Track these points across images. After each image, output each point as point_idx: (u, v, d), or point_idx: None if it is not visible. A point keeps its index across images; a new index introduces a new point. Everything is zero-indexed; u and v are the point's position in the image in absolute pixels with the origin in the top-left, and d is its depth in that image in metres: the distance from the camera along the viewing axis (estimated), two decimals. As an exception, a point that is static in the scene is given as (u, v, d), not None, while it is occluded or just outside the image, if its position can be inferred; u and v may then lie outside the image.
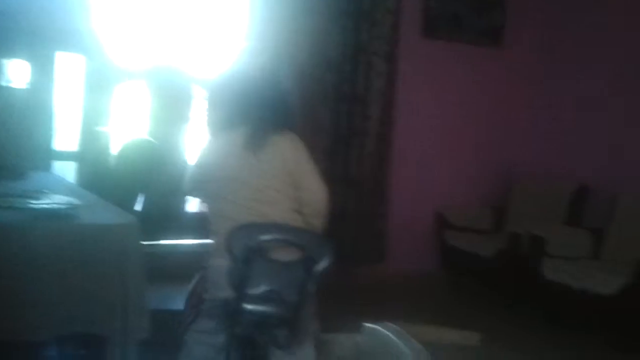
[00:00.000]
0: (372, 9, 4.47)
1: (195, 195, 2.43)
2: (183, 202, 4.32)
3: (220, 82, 2.15)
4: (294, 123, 2.14)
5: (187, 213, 4.35)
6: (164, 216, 4.04)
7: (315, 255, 1.83)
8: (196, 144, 4.30)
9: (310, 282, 1.81)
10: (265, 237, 1.87)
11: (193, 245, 4.27)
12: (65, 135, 4.04)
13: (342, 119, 4.50)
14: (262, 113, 2.04)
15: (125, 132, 3.99)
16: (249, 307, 1.79)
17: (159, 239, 4.09)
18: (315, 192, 2.08)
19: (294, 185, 2.05)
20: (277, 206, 2.02)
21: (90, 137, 3.83)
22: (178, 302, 3.62)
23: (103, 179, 3.10)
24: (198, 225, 4.35)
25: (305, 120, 4.31)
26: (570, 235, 4.30)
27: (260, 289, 1.80)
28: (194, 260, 4.06)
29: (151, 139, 3.70)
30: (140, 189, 3.22)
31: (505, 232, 4.58)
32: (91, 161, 3.49)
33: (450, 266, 4.92)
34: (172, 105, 4.17)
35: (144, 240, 2.24)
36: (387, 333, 2.06)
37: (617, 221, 4.27)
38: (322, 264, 1.83)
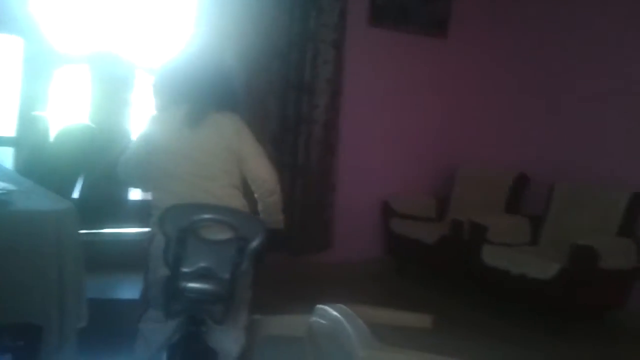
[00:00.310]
0: (320, -4, 4.46)
1: (129, 181, 2.47)
2: (125, 189, 4.24)
3: (168, 63, 2.25)
4: (237, 105, 2.21)
5: (129, 201, 4.28)
6: (104, 203, 3.96)
7: (247, 234, 1.88)
8: (138, 128, 4.23)
9: (244, 260, 1.87)
10: (197, 217, 1.90)
11: (135, 233, 4.21)
12: (2, 121, 3.91)
13: (289, 107, 4.49)
14: (203, 92, 2.12)
15: (65, 117, 3.88)
16: (186, 284, 1.84)
17: (99, 227, 4.01)
18: (262, 172, 2.16)
19: (237, 163, 2.13)
20: (217, 182, 2.09)
21: (28, 123, 3.71)
22: (118, 291, 3.59)
23: (41, 165, 3.01)
24: (140, 213, 4.31)
25: (252, 108, 4.29)
26: (509, 222, 4.43)
27: (195, 266, 1.86)
28: (135, 249, 4.01)
29: (91, 124, 3.61)
30: (78, 176, 3.14)
31: (448, 220, 4.68)
32: (29, 147, 3.38)
33: (396, 253, 5.00)
34: (113, 90, 4.08)
35: (83, 228, 2.19)
36: (336, 314, 2.09)
37: (554, 208, 4.41)
38: (254, 243, 1.88)
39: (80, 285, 2.11)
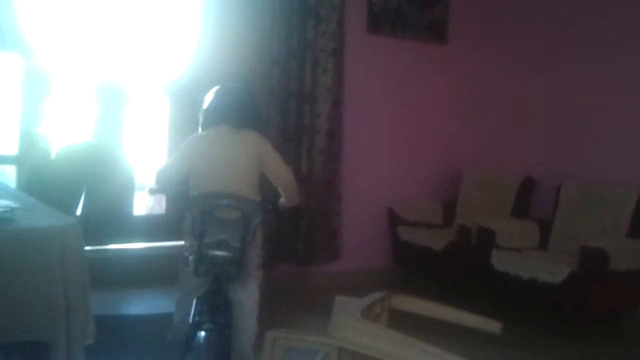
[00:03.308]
0: (317, 5, 4.45)
1: (166, 185, 2.92)
2: (130, 205, 4.21)
3: (216, 95, 2.87)
4: (259, 125, 2.92)
5: (133, 216, 4.25)
6: (108, 219, 3.93)
7: (250, 215, 2.53)
8: (136, 146, 4.22)
9: (249, 233, 2.50)
10: (214, 202, 2.55)
11: (140, 249, 4.18)
12: (3, 139, 3.88)
13: (290, 117, 4.47)
14: (239, 116, 2.81)
15: (66, 134, 3.86)
16: (208, 251, 2.45)
17: (103, 243, 3.98)
18: (279, 170, 2.81)
19: (259, 167, 2.76)
20: (236, 179, 2.70)
21: (29, 140, 3.68)
22: (125, 307, 3.55)
23: (43, 183, 2.99)
24: (145, 228, 4.28)
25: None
26: (517, 226, 4.38)
27: (214, 238, 2.47)
28: (141, 265, 3.99)
29: (94, 140, 3.59)
30: (81, 192, 3.12)
31: (455, 226, 4.64)
32: (30, 165, 3.36)
33: (403, 261, 4.96)
34: (114, 107, 4.06)
35: (88, 245, 2.17)
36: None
37: (561, 211, 4.38)
38: (255, 221, 2.54)
39: (86, 302, 2.09)
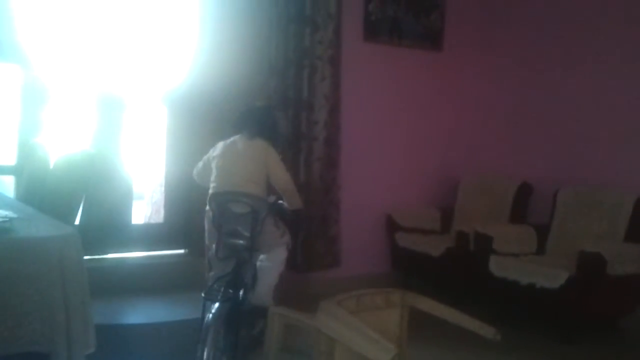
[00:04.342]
0: (314, 13, 4.47)
1: (199, 180, 3.43)
2: (129, 214, 4.22)
3: (247, 109, 3.46)
4: (276, 139, 3.40)
5: (132, 225, 4.26)
6: (106, 229, 3.94)
7: (258, 209, 3.00)
8: (134, 155, 4.23)
9: (257, 224, 2.97)
10: (228, 198, 3.05)
11: (139, 258, 4.19)
12: (1, 149, 3.89)
13: (288, 124, 4.48)
14: (252, 128, 3.29)
15: (64, 144, 3.87)
16: (225, 239, 2.99)
17: (102, 253, 3.99)
18: (280, 177, 3.24)
19: (265, 170, 3.18)
20: (246, 178, 3.14)
21: (27, 150, 3.69)
22: (125, 316, 3.55)
23: (42, 193, 2.99)
24: (144, 237, 4.29)
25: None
26: (515, 232, 4.39)
27: (230, 228, 2.98)
28: (141, 273, 3.99)
29: (92, 150, 3.60)
30: (80, 202, 3.13)
31: (453, 232, 4.64)
32: (29, 175, 3.36)
33: (401, 267, 4.96)
34: (112, 116, 4.08)
35: (87, 254, 2.17)
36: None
37: (558, 216, 4.39)
38: (262, 214, 3.01)
39: (86, 311, 2.08)
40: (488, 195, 4.91)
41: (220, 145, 3.32)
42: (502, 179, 4.92)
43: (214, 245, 3.05)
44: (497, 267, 4.08)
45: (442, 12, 5.23)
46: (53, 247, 2.02)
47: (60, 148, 3.69)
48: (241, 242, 2.96)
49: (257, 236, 2.98)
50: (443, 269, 4.49)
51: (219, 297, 2.75)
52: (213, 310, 2.70)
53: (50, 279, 2.00)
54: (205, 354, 2.61)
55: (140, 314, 3.63)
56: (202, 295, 2.78)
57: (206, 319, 2.69)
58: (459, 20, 5.27)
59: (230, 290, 2.82)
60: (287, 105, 4.45)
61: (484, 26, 5.29)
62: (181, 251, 4.33)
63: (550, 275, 3.81)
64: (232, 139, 3.31)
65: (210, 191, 3.19)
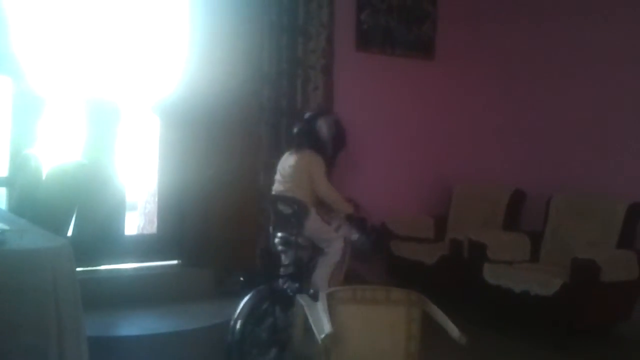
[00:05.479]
0: (306, 23, 4.49)
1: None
2: (122, 225, 4.20)
3: (301, 124, 3.77)
4: (321, 146, 3.67)
5: (125, 236, 4.24)
6: (99, 240, 3.92)
7: (300, 210, 3.44)
8: (127, 165, 4.22)
9: (299, 222, 3.43)
10: (274, 199, 3.58)
11: (132, 269, 4.16)
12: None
13: (282, 134, 4.48)
14: (299, 140, 3.69)
15: (57, 154, 3.85)
16: (276, 233, 3.53)
17: (95, 264, 3.96)
18: (317, 185, 3.57)
19: (309, 178, 3.57)
20: (293, 184, 3.57)
21: (19, 162, 3.68)
22: (118, 329, 3.53)
23: (34, 204, 2.98)
24: (137, 248, 4.27)
25: (245, 136, 4.29)
26: (508, 239, 4.40)
27: (279, 224, 3.54)
28: (133, 285, 3.96)
29: (85, 160, 3.59)
30: (72, 213, 3.11)
31: (447, 240, 4.65)
32: (21, 186, 3.35)
33: (396, 275, 4.94)
34: (104, 127, 4.07)
35: (79, 266, 2.15)
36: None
37: (552, 223, 4.40)
38: (303, 214, 3.44)
39: (78, 323, 2.07)
40: (481, 203, 4.91)
41: (283, 157, 3.78)
42: (495, 187, 4.93)
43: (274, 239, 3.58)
44: (491, 274, 4.08)
45: (433, 21, 5.26)
46: (45, 259, 2.02)
47: (53, 158, 3.68)
48: (285, 235, 3.46)
49: (302, 232, 3.44)
50: (437, 277, 4.48)
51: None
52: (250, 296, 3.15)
53: (43, 291, 1.99)
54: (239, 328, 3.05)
55: (133, 325, 3.61)
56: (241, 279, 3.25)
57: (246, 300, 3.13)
58: (451, 30, 5.30)
59: (288, 279, 3.35)
60: (280, 114, 4.45)
61: (476, 36, 5.32)
62: (174, 262, 4.31)
63: (544, 282, 3.81)
64: (289, 151, 3.76)
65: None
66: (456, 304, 4.43)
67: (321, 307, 2.52)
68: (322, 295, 2.61)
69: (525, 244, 4.37)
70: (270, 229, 3.69)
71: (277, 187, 3.67)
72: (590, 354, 3.80)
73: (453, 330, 2.49)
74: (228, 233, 4.23)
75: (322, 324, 2.40)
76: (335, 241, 3.58)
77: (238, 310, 3.09)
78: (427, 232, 5.04)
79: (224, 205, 4.20)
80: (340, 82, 4.71)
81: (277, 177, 3.70)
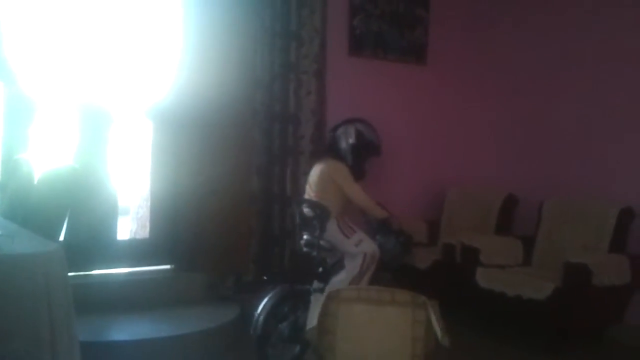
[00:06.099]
0: (299, 28, 4.50)
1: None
2: (114, 230, 4.19)
3: (334, 134, 3.95)
4: (342, 155, 3.83)
5: (117, 241, 4.22)
6: (91, 245, 3.90)
7: (321, 214, 3.56)
8: (119, 169, 4.21)
9: (321, 224, 3.55)
10: (298, 203, 3.79)
11: (124, 274, 4.15)
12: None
13: (275, 139, 4.48)
14: (326, 150, 4.03)
15: (49, 159, 3.84)
16: (302, 234, 3.70)
17: (87, 269, 3.95)
18: (348, 191, 3.73)
19: (335, 186, 3.73)
20: (317, 191, 3.75)
21: (11, 167, 3.66)
22: (111, 333, 3.51)
23: (26, 209, 2.96)
24: (129, 252, 4.26)
25: (238, 140, 4.29)
26: (501, 243, 4.41)
27: (304, 227, 3.69)
28: (125, 290, 3.94)
29: (77, 165, 3.57)
30: (64, 218, 3.09)
31: (440, 244, 4.65)
32: (13, 191, 3.33)
33: (389, 279, 4.94)
34: (97, 131, 4.06)
35: (71, 271, 2.14)
36: None
37: (544, 227, 4.42)
38: (324, 218, 3.56)
39: (71, 328, 2.06)
40: (474, 207, 4.92)
41: (314, 166, 3.98)
42: (487, 191, 4.94)
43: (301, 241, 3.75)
44: (484, 278, 4.09)
45: (426, 27, 5.28)
46: (38, 264, 2.01)
47: (45, 163, 3.66)
48: (310, 237, 3.60)
49: (323, 235, 3.57)
50: (430, 282, 4.48)
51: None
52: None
53: (35, 296, 1.98)
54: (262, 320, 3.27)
55: (126, 330, 3.60)
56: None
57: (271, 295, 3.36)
58: (443, 35, 5.32)
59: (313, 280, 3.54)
60: (273, 119, 4.46)
61: (468, 40, 5.34)
62: (167, 266, 4.30)
63: (536, 286, 3.83)
64: (320, 161, 3.95)
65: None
66: (449, 308, 4.45)
67: (314, 303, 2.60)
68: (324, 295, 2.65)
69: (517, 248, 4.38)
70: (297, 230, 3.90)
71: (305, 193, 3.87)
72: (583, 358, 3.81)
73: (437, 331, 2.51)
74: (221, 238, 4.23)
75: (311, 318, 2.50)
76: (354, 257, 3.61)
77: (261, 307, 3.31)
78: (420, 236, 5.03)
79: (217, 210, 4.19)
80: (333, 87, 4.72)
81: (307, 186, 3.88)
